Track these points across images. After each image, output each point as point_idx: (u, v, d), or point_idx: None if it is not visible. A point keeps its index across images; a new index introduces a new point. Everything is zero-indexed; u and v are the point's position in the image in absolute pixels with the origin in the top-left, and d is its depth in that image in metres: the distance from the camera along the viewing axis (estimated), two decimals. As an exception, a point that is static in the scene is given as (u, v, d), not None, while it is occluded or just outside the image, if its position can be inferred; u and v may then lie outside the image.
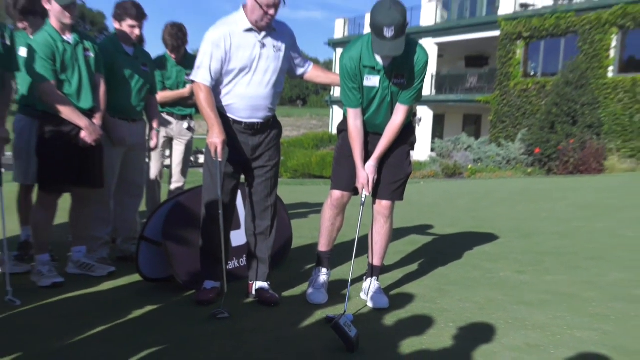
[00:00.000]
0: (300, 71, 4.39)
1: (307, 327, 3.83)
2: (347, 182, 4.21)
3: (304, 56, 4.40)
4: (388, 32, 3.69)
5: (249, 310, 4.13)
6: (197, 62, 3.95)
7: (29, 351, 3.28)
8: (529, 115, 24.98)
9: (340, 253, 5.05)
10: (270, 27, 3.97)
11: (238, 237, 4.83)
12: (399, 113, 4.07)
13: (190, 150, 6.19)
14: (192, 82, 4.04)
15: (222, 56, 3.89)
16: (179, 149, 6.06)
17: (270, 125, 4.18)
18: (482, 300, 4.33)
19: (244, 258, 4.83)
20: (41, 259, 4.51)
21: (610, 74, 23.12)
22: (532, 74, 26.68)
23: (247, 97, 4.01)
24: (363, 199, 4.14)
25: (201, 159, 8.90)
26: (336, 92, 38.95)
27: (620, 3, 22.78)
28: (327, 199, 4.33)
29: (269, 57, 4.00)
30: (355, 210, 4.15)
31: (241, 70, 3.95)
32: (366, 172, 4.08)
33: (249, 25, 3.91)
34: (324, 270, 4.38)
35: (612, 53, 23.17)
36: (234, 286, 4.33)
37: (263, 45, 3.97)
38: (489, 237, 6.50)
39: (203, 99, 3.93)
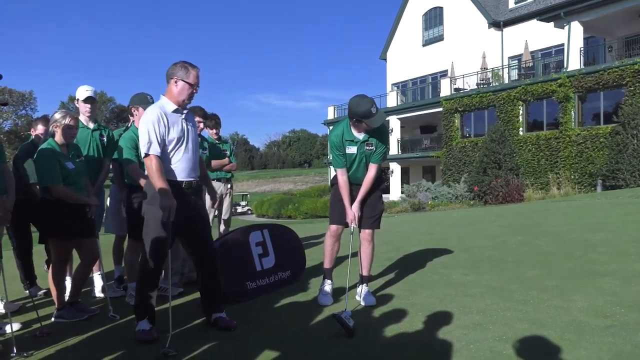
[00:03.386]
0: None
1: (319, 321, 3.85)
2: (339, 218, 4.31)
3: None
4: (374, 109, 3.94)
5: (279, 310, 4.16)
6: (145, 140, 3.43)
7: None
8: (468, 164, 25.04)
9: (340, 269, 5.10)
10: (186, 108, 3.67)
11: (267, 261, 4.91)
12: (372, 169, 4.23)
13: (232, 203, 6.24)
14: (145, 155, 3.45)
15: (163, 130, 3.48)
16: (226, 202, 6.09)
17: (199, 189, 3.82)
18: (440, 295, 4.33)
19: (272, 277, 4.89)
20: (132, 285, 4.57)
21: (521, 133, 23.26)
22: (467, 135, 26.85)
23: (187, 160, 3.61)
24: (352, 230, 4.23)
25: (239, 209, 8.81)
26: (330, 156, 39.22)
27: (522, 85, 23.14)
28: (327, 231, 4.41)
29: (190, 130, 3.68)
30: (349, 237, 4.23)
31: (179, 140, 3.56)
32: (353, 211, 4.19)
33: (175, 107, 3.57)
34: (328, 281, 4.42)
35: (520, 118, 23.39)
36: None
37: (186, 121, 3.64)
38: (442, 251, 6.48)
39: (156, 169, 3.40)
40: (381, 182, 4.42)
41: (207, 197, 4.33)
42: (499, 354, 2.93)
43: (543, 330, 3.25)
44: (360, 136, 4.14)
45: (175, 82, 3.57)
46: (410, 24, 35.72)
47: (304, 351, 3.23)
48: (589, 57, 22.87)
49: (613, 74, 19.59)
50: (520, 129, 23.29)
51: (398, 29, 36.97)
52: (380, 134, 4.19)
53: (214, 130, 5.87)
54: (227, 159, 5.92)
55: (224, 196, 6.00)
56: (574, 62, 21.87)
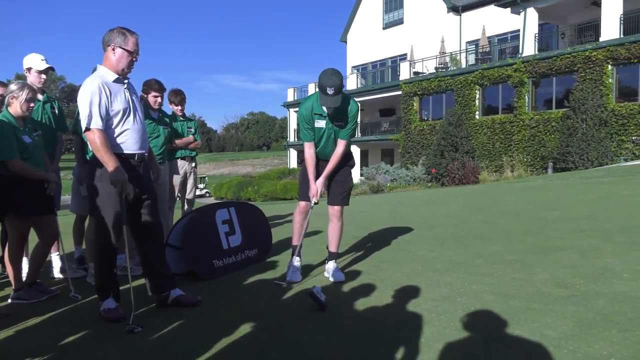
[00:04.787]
0: None
1: (290, 297, 3.84)
2: (308, 195, 4.30)
3: None
4: (330, 91, 3.89)
5: (249, 287, 4.13)
6: (85, 113, 3.20)
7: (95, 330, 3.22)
8: (426, 147, 25.46)
9: (309, 246, 5.09)
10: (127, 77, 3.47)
11: (234, 240, 4.85)
12: (340, 145, 4.23)
13: (196, 182, 6.10)
14: (87, 130, 3.22)
15: (105, 102, 3.26)
16: (190, 181, 5.94)
17: (147, 164, 3.64)
18: (408, 270, 4.40)
19: (239, 255, 4.84)
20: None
21: (477, 117, 23.80)
22: (425, 119, 27.27)
23: (135, 132, 3.43)
24: (312, 204, 4.26)
25: (197, 191, 8.58)
26: (291, 138, 39.03)
27: (479, 69, 23.61)
28: (297, 208, 4.39)
29: (135, 101, 3.51)
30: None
31: (125, 111, 3.37)
32: (316, 186, 4.19)
33: (115, 76, 3.36)
34: (297, 258, 4.39)
35: (477, 102, 23.91)
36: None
37: (129, 91, 3.46)
38: (407, 230, 6.58)
39: (100, 143, 3.19)
40: (349, 159, 4.41)
41: (176, 177, 4.17)
42: (470, 323, 3.00)
43: (509, 300, 3.35)
44: (330, 111, 4.11)
45: (113, 49, 3.34)
46: (371, 6, 35.74)
47: (279, 324, 3.21)
48: (543, 44, 23.52)
49: (565, 60, 20.24)
50: (477, 112, 23.83)
51: (359, 11, 36.95)
52: (352, 111, 4.18)
53: (179, 107, 5.70)
54: (192, 136, 5.76)
55: (188, 175, 5.86)
56: (528, 47, 22.46)
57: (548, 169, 19.13)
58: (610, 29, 19.64)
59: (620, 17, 19.58)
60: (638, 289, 3.35)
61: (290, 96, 39.30)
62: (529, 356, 2.49)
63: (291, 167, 37.47)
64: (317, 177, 4.22)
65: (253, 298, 3.84)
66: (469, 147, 21.00)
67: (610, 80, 19.06)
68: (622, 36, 19.20)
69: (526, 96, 21.82)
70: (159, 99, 5.02)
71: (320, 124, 4.17)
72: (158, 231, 3.64)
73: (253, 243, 5.05)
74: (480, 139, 22.97)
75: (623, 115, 18.39)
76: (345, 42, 38.40)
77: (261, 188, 29.56)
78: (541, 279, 3.80)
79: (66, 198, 5.02)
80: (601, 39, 19.71)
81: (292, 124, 38.75)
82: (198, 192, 33.65)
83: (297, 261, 4.38)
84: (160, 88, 5.03)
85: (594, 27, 20.60)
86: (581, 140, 17.71)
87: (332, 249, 4.37)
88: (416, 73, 28.48)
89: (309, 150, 4.21)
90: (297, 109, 35.29)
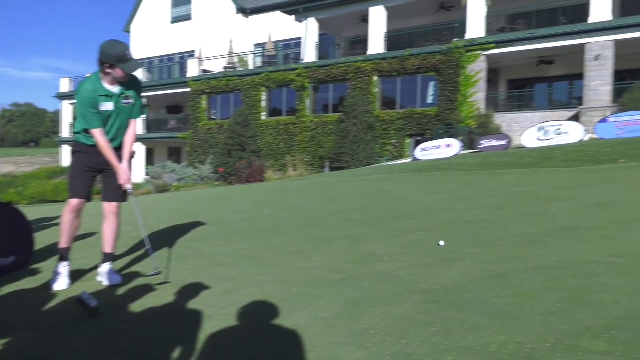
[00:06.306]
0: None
1: (54, 306, 3.40)
2: (83, 191, 3.84)
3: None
4: (129, 54, 3.59)
5: (3, 299, 3.52)
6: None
7: None
8: (214, 146, 25.44)
9: (81, 250, 4.58)
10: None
11: None
12: (133, 125, 3.92)
13: None
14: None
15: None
16: None
17: None
18: (191, 267, 4.28)
19: None
20: None
21: (263, 117, 24.72)
22: (214, 118, 27.22)
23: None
24: (129, 190, 3.91)
25: None
26: (64, 134, 35.07)
27: (265, 72, 24.56)
28: (67, 207, 3.87)
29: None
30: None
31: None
32: (125, 170, 3.83)
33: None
34: (64, 263, 3.89)
35: (263, 104, 24.81)
36: None
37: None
38: (193, 226, 6.43)
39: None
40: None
41: None
42: (252, 313, 3.04)
43: (290, 288, 3.49)
44: (116, 89, 3.73)
45: None
46: (157, -2, 34.28)
47: (40, 337, 2.79)
48: (322, 52, 25.54)
49: (340, 69, 22.32)
50: (263, 113, 24.72)
51: (144, 1, 35.05)
52: (137, 85, 3.87)
53: None
54: None
55: None
56: (309, 55, 24.15)
57: (325, 168, 20.86)
58: (377, 44, 22.32)
59: (385, 35, 22.39)
60: (395, 269, 3.82)
61: (65, 87, 35.35)
62: (304, 337, 2.62)
63: (64, 165, 33.69)
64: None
65: (10, 310, 3.28)
66: (256, 147, 21.66)
67: (376, 89, 21.65)
68: (386, 51, 21.98)
69: (307, 100, 23.42)
70: None
71: (107, 106, 3.72)
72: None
73: (8, 250, 4.33)
74: (266, 139, 23.88)
75: (386, 121, 21.06)
76: (129, 32, 36.08)
77: (27, 189, 25.84)
78: (318, 266, 4.06)
79: None
80: (369, 53, 22.26)
81: (67, 118, 34.87)
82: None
83: (64, 266, 3.89)
84: None
85: (364, 42, 23.15)
86: (353, 142, 19.73)
87: (108, 250, 4.00)
88: (205, 71, 28.26)
89: (102, 137, 3.70)
90: (73, 101, 31.81)
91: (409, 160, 18.69)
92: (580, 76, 18.34)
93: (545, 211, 5.76)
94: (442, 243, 4.52)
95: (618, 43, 17.44)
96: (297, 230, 5.88)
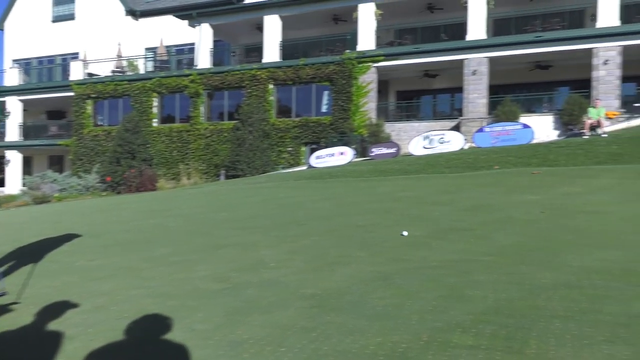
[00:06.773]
0: None
1: None
2: None
3: None
4: None
5: None
6: None
7: None
8: (100, 154, 23.84)
9: None
10: None
11: None
12: None
13: None
14: None
15: None
16: None
17: None
18: (61, 284, 3.90)
19: None
20: None
21: (155, 124, 23.65)
22: (100, 124, 25.57)
23: None
24: None
25: None
26: None
27: (157, 77, 23.59)
28: None
29: None
30: None
31: None
32: None
33: None
34: None
35: (155, 110, 23.77)
36: None
37: None
38: (67, 239, 5.87)
39: None
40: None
41: None
42: (122, 331, 2.79)
43: (167, 301, 3.28)
44: None
45: None
46: (36, -7, 31.63)
47: None
48: (217, 59, 25.04)
49: (235, 76, 22.03)
50: (155, 120, 23.67)
51: (20, -4, 32.20)
52: None
53: None
54: None
55: None
56: (204, 61, 23.57)
57: (221, 176, 20.40)
58: (272, 52, 22.35)
59: (280, 44, 22.49)
60: (280, 275, 3.74)
61: None
62: (178, 352, 2.44)
63: None
64: None
65: None
66: (147, 155, 20.65)
67: (271, 97, 21.63)
68: (281, 60, 22.07)
69: (201, 107, 22.80)
70: None
71: None
72: None
73: None
74: (159, 146, 22.87)
75: (281, 129, 21.09)
76: (3, 30, 32.91)
77: None
78: (200, 276, 3.87)
79: None
80: (264, 61, 22.22)
81: None
82: None
83: None
84: None
85: (259, 50, 23.06)
86: (248, 150, 19.51)
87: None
88: (90, 74, 26.47)
89: None
90: None
91: (304, 167, 18.86)
92: (460, 89, 19.69)
93: (429, 214, 6.03)
94: (405, 233, 4.78)
95: (492, 60, 19.00)
96: (184, 239, 5.61)
